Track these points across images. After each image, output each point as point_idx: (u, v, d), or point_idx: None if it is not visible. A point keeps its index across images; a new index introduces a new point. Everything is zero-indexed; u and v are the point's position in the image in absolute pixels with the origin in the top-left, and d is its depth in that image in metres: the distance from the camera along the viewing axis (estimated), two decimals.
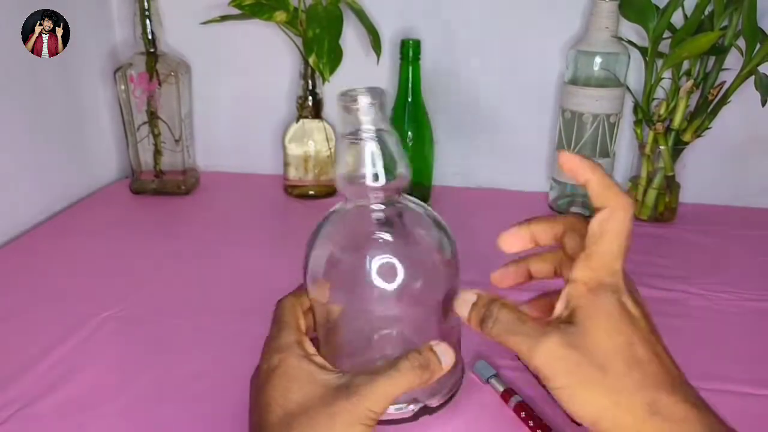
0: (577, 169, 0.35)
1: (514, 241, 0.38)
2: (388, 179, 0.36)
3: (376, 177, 0.36)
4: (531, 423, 0.47)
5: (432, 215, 0.40)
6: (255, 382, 0.38)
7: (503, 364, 0.53)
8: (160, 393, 0.50)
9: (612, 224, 0.35)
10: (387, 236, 0.38)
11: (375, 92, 0.36)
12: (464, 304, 0.36)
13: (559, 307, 0.34)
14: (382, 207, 0.37)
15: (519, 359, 0.36)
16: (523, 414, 0.48)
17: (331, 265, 0.38)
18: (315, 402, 0.33)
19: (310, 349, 0.37)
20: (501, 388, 0.50)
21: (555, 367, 0.32)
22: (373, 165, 0.36)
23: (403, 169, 0.37)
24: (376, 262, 0.37)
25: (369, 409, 0.33)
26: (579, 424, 0.47)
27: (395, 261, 0.37)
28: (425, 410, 0.38)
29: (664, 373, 0.32)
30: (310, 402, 0.33)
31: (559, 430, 0.47)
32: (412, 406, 0.38)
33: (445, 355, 0.36)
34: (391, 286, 0.37)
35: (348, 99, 0.35)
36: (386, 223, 0.37)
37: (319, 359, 0.36)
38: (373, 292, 0.37)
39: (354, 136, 0.35)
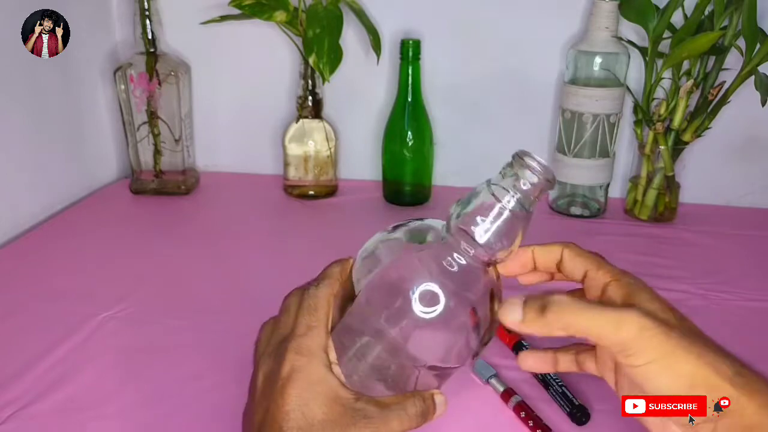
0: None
1: (514, 264, 0.38)
2: (490, 246, 0.35)
3: (482, 234, 0.35)
4: (531, 423, 0.47)
5: (498, 294, 0.38)
6: (267, 365, 0.37)
7: (503, 364, 0.53)
8: (159, 393, 0.50)
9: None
10: (444, 284, 0.36)
11: (547, 170, 0.35)
12: (512, 306, 0.33)
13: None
14: (462, 261, 0.36)
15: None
16: (523, 414, 0.48)
17: (376, 259, 0.37)
18: (335, 421, 0.34)
19: (333, 356, 0.37)
20: (501, 388, 0.50)
21: (644, 339, 0.30)
22: (490, 223, 0.35)
23: (505, 250, 0.36)
24: (423, 290, 0.35)
25: None
26: (580, 424, 0.47)
27: (441, 294, 0.35)
28: None
29: (722, 350, 0.32)
30: (330, 419, 0.34)
31: (559, 430, 0.47)
32: None
33: (441, 408, 0.38)
34: (426, 314, 0.35)
35: (524, 162, 0.35)
36: (454, 275, 0.36)
37: (337, 370, 0.36)
38: (406, 312, 0.35)
39: (499, 193, 0.35)
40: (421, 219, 0.40)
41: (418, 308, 0.35)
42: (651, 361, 0.31)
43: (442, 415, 0.39)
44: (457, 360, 0.37)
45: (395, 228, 0.39)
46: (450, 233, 0.36)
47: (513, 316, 0.33)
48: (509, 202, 0.35)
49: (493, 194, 0.35)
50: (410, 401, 0.37)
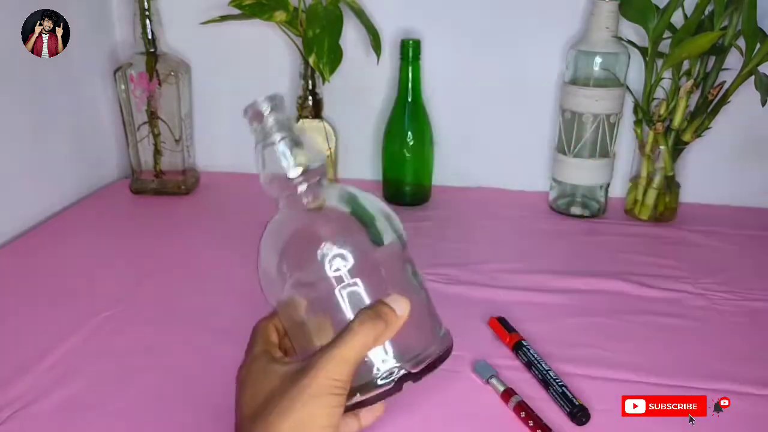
0: None
1: None
2: (304, 170, 0.40)
3: (305, 173, 0.40)
4: (531, 423, 0.47)
5: (347, 191, 0.44)
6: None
7: (503, 364, 0.53)
8: (159, 393, 0.50)
9: None
10: (323, 207, 0.41)
11: (273, 98, 0.41)
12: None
13: None
14: (310, 194, 0.41)
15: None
16: (523, 414, 0.48)
17: (281, 267, 0.40)
18: (279, 390, 0.34)
19: (277, 354, 0.38)
20: (501, 388, 0.50)
21: None
22: (286, 159, 0.40)
23: (313, 158, 0.41)
24: (326, 249, 0.38)
25: (331, 378, 0.33)
26: (580, 424, 0.47)
27: (341, 244, 0.38)
28: (407, 377, 0.37)
29: None
30: (274, 391, 0.34)
31: (559, 430, 0.47)
32: (393, 375, 0.37)
33: (398, 302, 0.36)
34: (345, 265, 0.37)
35: (251, 110, 0.41)
36: (316, 209, 0.41)
37: (285, 359, 0.37)
38: (330, 278, 0.38)
39: (265, 142, 0.41)
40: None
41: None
42: None
43: (406, 313, 0.36)
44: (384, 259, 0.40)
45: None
46: (282, 202, 0.42)
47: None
48: (277, 137, 0.41)
49: (263, 148, 0.41)
50: (353, 319, 0.35)
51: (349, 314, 0.37)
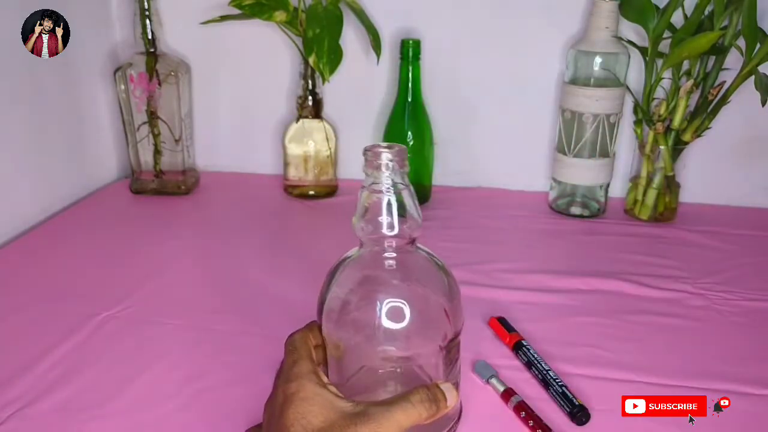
0: None
1: None
2: (401, 230, 0.40)
3: (391, 227, 0.40)
4: (531, 423, 0.47)
5: (439, 262, 0.44)
6: (270, 406, 0.39)
7: (503, 364, 0.53)
8: (159, 393, 0.50)
9: None
10: (396, 281, 0.41)
11: (397, 150, 0.40)
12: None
13: None
14: (394, 255, 0.41)
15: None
16: (523, 414, 0.48)
17: (344, 304, 0.41)
18: (334, 426, 0.35)
19: (324, 378, 0.40)
20: (501, 388, 0.50)
21: None
22: (390, 216, 0.39)
23: (415, 221, 0.40)
24: (385, 304, 0.40)
25: None
26: (580, 424, 0.47)
27: (403, 303, 0.40)
28: None
29: None
30: (329, 425, 0.35)
31: (559, 430, 0.47)
32: None
33: (450, 393, 0.39)
34: (398, 326, 0.40)
35: (371, 155, 0.39)
36: (397, 269, 0.41)
37: (333, 388, 0.39)
38: (382, 332, 0.40)
39: (375, 189, 0.39)
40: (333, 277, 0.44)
41: (388, 324, 0.40)
42: None
43: (455, 403, 0.39)
44: (436, 331, 0.42)
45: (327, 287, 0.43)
46: (367, 248, 0.41)
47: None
48: (387, 188, 0.39)
49: (372, 192, 0.40)
50: (413, 391, 0.37)
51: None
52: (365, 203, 0.40)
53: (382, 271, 0.41)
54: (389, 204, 0.39)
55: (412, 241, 0.41)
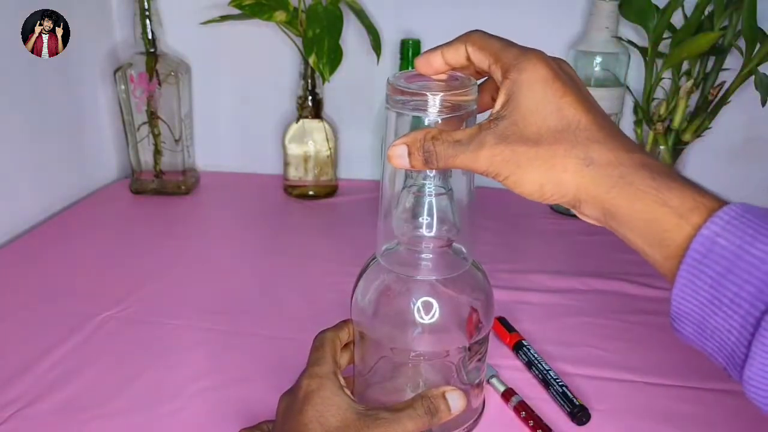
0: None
1: (427, 64, 0.38)
2: (439, 232, 0.41)
3: (430, 227, 0.41)
4: (531, 423, 0.47)
5: (478, 266, 0.44)
6: (288, 400, 0.40)
7: (503, 364, 0.53)
8: (159, 393, 0.50)
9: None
10: (430, 279, 0.42)
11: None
12: (399, 158, 0.37)
13: (498, 103, 0.35)
14: (430, 256, 0.42)
15: None
16: (523, 414, 0.48)
17: (377, 295, 0.43)
18: (349, 425, 0.37)
19: (343, 381, 0.41)
20: (501, 388, 0.50)
21: (496, 164, 0.35)
22: (429, 217, 0.40)
23: (452, 225, 0.41)
24: (416, 300, 0.41)
25: None
26: (580, 424, 0.47)
27: (434, 300, 0.41)
28: None
29: (597, 128, 0.33)
30: (345, 425, 0.37)
31: (559, 430, 0.47)
32: None
33: (457, 401, 0.40)
34: (427, 321, 0.41)
35: None
36: (432, 269, 0.42)
37: (348, 392, 0.40)
38: (411, 326, 0.41)
39: (419, 191, 0.40)
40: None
41: (417, 318, 0.41)
42: (507, 176, 0.36)
43: (461, 410, 0.40)
44: (462, 333, 0.43)
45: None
46: (403, 246, 0.42)
47: (399, 164, 0.38)
48: (429, 190, 0.40)
49: (414, 194, 0.41)
50: (418, 401, 0.39)
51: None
52: (406, 203, 0.41)
53: (415, 268, 0.42)
54: (430, 206, 0.40)
55: (449, 244, 0.42)
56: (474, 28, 0.38)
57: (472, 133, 0.35)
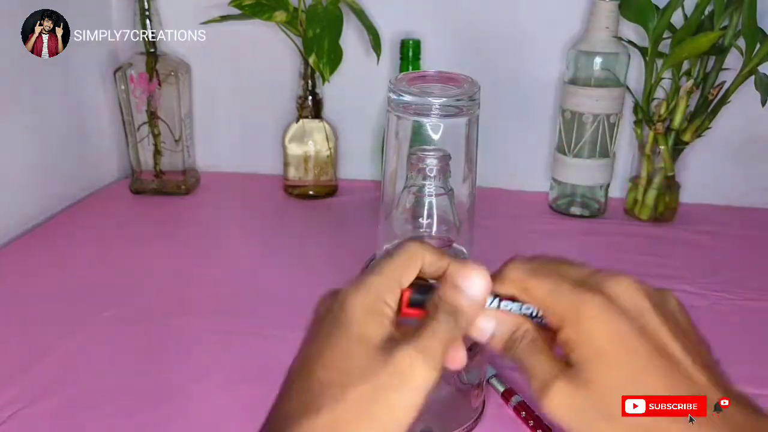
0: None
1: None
2: (439, 232, 0.41)
3: (430, 227, 0.41)
4: (531, 423, 0.47)
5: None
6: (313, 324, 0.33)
7: (503, 364, 0.53)
8: (160, 393, 0.50)
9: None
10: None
11: (441, 155, 0.42)
12: (486, 328, 0.32)
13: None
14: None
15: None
16: (523, 414, 0.48)
17: None
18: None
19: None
20: (501, 388, 0.50)
21: (563, 414, 0.31)
22: (429, 217, 0.41)
23: (453, 224, 0.42)
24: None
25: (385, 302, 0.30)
26: None
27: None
28: None
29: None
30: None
31: (559, 430, 0.47)
32: None
33: (479, 281, 0.32)
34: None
35: (415, 158, 0.41)
36: None
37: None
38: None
39: (419, 191, 0.41)
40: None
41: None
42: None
43: (485, 291, 0.31)
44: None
45: None
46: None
47: (483, 334, 0.32)
48: (429, 191, 0.41)
49: (414, 194, 0.41)
50: (438, 311, 0.31)
51: None
52: (407, 203, 0.42)
53: None
54: (430, 206, 0.41)
55: (450, 244, 0.43)
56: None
57: (552, 359, 0.31)
